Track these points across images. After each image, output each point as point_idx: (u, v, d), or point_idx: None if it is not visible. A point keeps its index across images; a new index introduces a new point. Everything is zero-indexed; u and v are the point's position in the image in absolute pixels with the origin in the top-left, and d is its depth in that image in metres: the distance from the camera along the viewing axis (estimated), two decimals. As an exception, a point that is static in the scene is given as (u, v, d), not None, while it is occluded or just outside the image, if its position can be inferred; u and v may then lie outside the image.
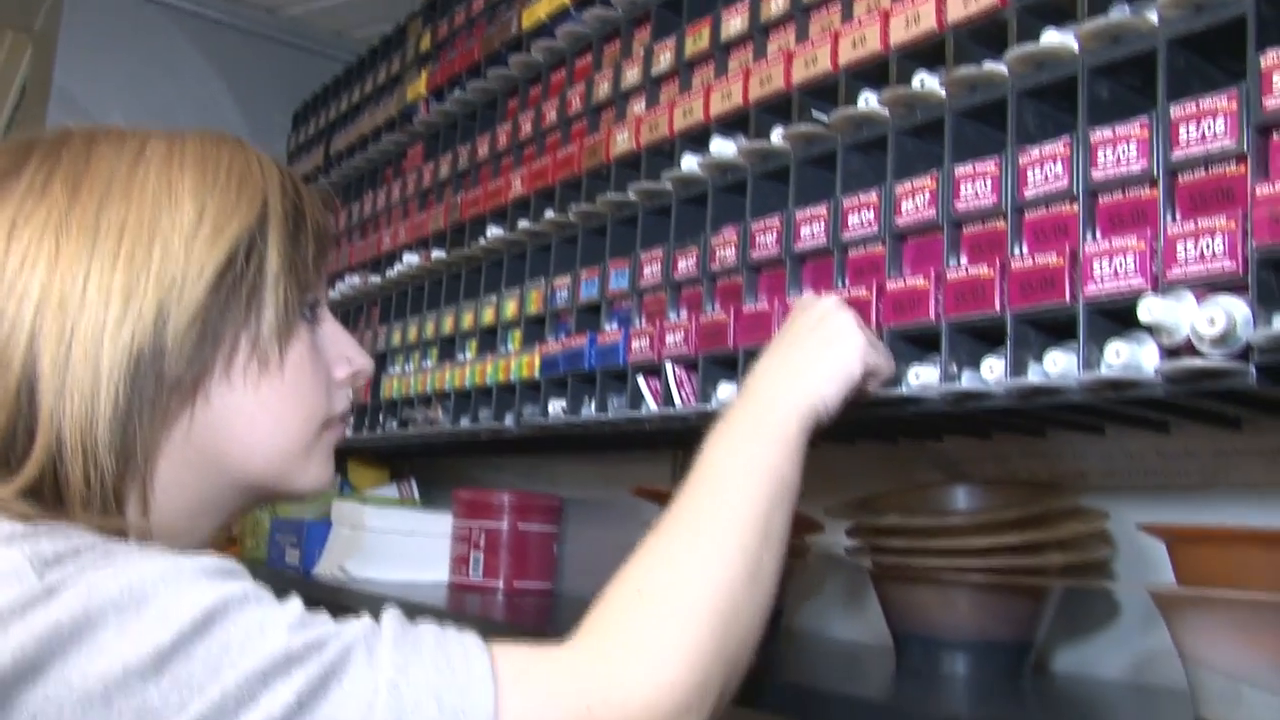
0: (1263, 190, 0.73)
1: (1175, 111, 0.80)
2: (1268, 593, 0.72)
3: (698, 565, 0.71)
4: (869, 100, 1.04)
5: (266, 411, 0.72)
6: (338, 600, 1.63)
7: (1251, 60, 0.76)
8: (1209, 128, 0.78)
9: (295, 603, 0.61)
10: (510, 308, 1.52)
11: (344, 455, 2.06)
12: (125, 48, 2.43)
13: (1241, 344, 0.73)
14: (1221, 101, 0.78)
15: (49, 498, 0.64)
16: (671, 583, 0.70)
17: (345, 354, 0.80)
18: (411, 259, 1.80)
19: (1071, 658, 1.08)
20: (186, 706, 0.54)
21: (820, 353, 0.85)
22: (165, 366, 0.66)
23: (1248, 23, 0.77)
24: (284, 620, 0.59)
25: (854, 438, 1.26)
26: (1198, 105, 0.79)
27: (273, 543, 1.94)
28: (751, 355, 1.09)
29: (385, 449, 1.99)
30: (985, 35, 0.97)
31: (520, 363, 1.45)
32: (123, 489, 0.66)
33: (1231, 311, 0.72)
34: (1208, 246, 0.76)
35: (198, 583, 0.58)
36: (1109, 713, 0.95)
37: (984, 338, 0.92)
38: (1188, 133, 0.79)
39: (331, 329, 0.79)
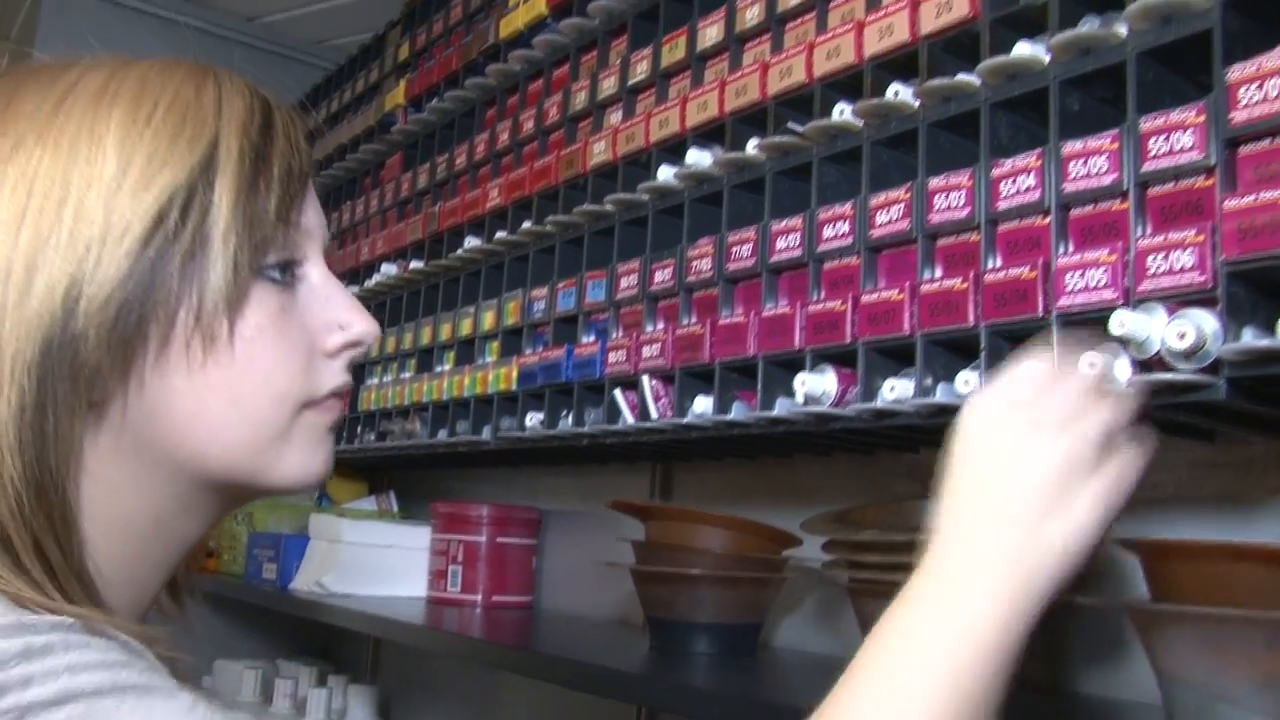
0: (1230, 204, 0.73)
1: (1145, 124, 0.80)
2: (1242, 608, 0.72)
3: None
4: (844, 111, 1.04)
5: (216, 395, 0.59)
6: (314, 615, 1.62)
7: (1218, 74, 0.75)
8: (1178, 141, 0.78)
9: None
10: (488, 319, 1.51)
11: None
12: (103, 54, 2.41)
13: (1212, 358, 0.72)
14: (1190, 114, 0.77)
15: None
16: None
17: (337, 319, 0.65)
18: (390, 269, 1.79)
19: (1042, 671, 1.07)
20: None
21: (1012, 489, 0.62)
22: (81, 352, 0.54)
23: (1214, 36, 0.77)
24: None
25: (830, 450, 1.25)
26: (1167, 118, 0.79)
27: (250, 557, 1.92)
28: (729, 368, 1.09)
29: (363, 462, 1.98)
30: (958, 46, 0.97)
31: (498, 374, 1.44)
32: (53, 506, 0.54)
33: (1201, 325, 0.72)
34: (1178, 260, 0.76)
35: None
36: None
37: (959, 350, 0.92)
38: (1157, 145, 0.79)
39: (322, 289, 0.65)
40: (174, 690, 0.50)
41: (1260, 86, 0.73)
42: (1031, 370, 0.65)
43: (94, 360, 0.55)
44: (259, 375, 0.60)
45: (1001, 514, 0.61)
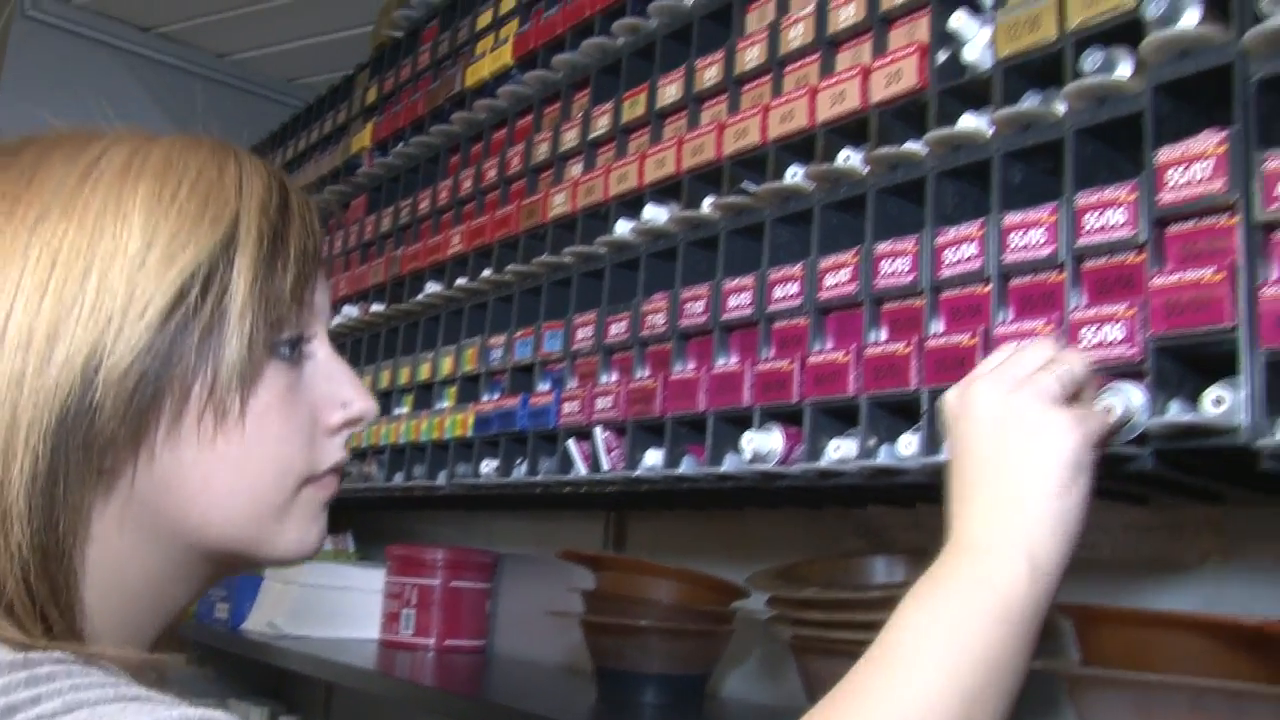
0: (1158, 281, 0.76)
1: (1081, 200, 0.83)
2: (1166, 673, 0.73)
3: None
4: (796, 174, 1.07)
5: (224, 468, 0.61)
6: (266, 658, 1.61)
7: (1148, 155, 0.78)
8: (1111, 217, 0.81)
9: None
10: (446, 364, 1.52)
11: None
12: (73, 90, 2.42)
13: (1139, 431, 0.74)
14: (1123, 192, 0.80)
15: None
16: None
17: (340, 396, 0.66)
18: (351, 311, 1.80)
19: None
20: None
21: (1033, 464, 0.65)
22: (96, 422, 0.56)
23: (1145, 118, 0.80)
24: None
25: (779, 504, 1.27)
26: (1101, 194, 0.81)
27: (202, 598, 1.91)
28: (680, 422, 1.10)
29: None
30: (907, 115, 1.00)
31: (454, 420, 1.45)
32: (58, 570, 0.56)
33: (1129, 400, 0.74)
34: (1109, 333, 0.78)
35: None
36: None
37: (901, 412, 0.94)
38: (1091, 221, 0.82)
39: (327, 366, 0.67)
40: (173, 702, 0.51)
41: (1187, 169, 0.76)
42: (995, 352, 0.73)
43: (109, 430, 0.56)
44: (266, 451, 0.62)
45: (988, 471, 0.66)
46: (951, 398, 0.72)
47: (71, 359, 0.55)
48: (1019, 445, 0.66)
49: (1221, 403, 0.71)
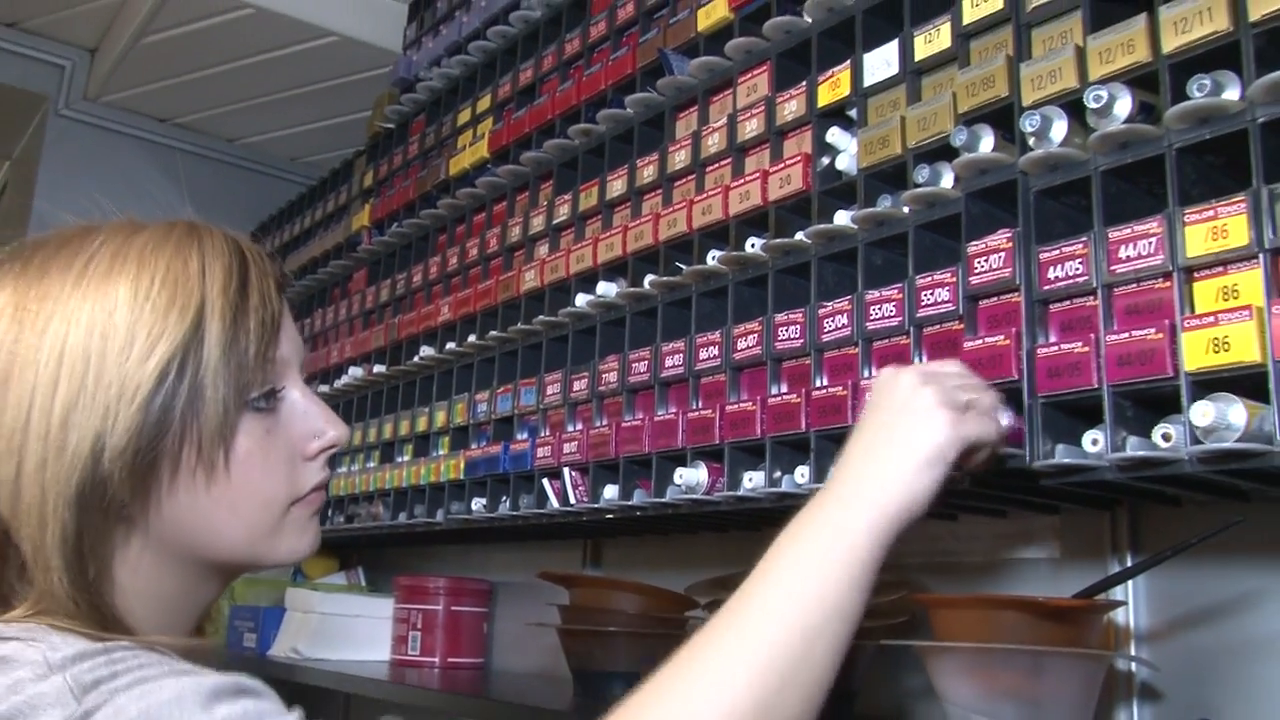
0: (970, 344, 1.00)
1: (920, 281, 1.07)
2: (980, 643, 0.97)
3: (706, 691, 0.67)
4: (714, 257, 1.31)
5: (219, 508, 0.73)
6: (292, 678, 1.85)
7: (963, 247, 1.03)
8: (939, 295, 1.05)
9: (297, 714, 0.66)
10: (440, 417, 1.77)
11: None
12: (98, 175, 2.69)
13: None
14: (946, 276, 1.05)
15: (64, 609, 0.68)
16: (676, 711, 0.66)
17: (314, 429, 0.79)
18: (356, 372, 2.04)
19: (888, 701, 1.32)
20: None
21: (905, 440, 0.78)
22: (108, 490, 0.68)
23: (961, 219, 1.04)
24: None
25: (726, 528, 1.50)
26: (932, 277, 1.06)
27: (231, 628, 2.15)
28: (631, 461, 1.35)
29: (334, 541, 2.21)
30: (797, 209, 1.25)
31: (448, 465, 1.69)
32: (97, 599, 0.69)
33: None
34: (938, 384, 1.02)
35: (209, 706, 0.62)
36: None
37: (798, 448, 1.18)
38: (927, 297, 1.06)
39: (301, 405, 0.79)
40: (210, 673, 0.66)
41: (987, 259, 1.01)
42: (948, 365, 0.88)
43: (119, 495, 0.69)
44: (251, 488, 0.75)
45: (869, 435, 0.80)
46: (884, 374, 0.85)
47: (80, 444, 0.68)
48: (904, 426, 0.79)
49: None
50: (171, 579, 0.75)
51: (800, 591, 0.71)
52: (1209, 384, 0.84)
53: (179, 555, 0.74)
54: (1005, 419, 0.89)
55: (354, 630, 1.95)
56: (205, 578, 0.78)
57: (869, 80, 1.18)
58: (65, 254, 0.74)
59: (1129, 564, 1.11)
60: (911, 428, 0.79)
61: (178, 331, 0.71)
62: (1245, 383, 0.82)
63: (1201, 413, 0.82)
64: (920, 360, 1.07)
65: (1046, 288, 0.96)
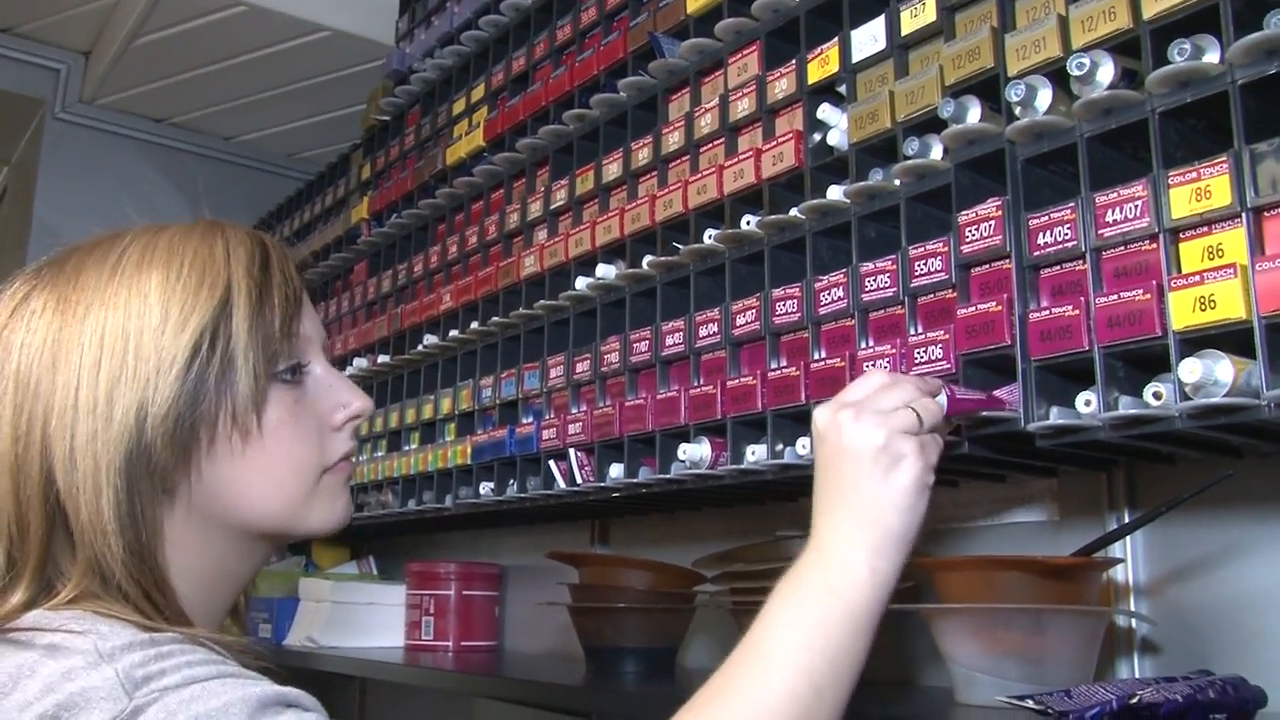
0: (963, 311, 1.02)
1: (912, 252, 1.09)
2: (982, 604, 1.00)
3: None
4: (711, 236, 1.33)
5: (255, 473, 0.77)
6: (308, 665, 1.87)
7: (954, 217, 1.05)
8: (933, 264, 1.07)
9: None
10: (446, 404, 1.79)
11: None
12: (97, 177, 2.70)
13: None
14: (939, 245, 1.07)
15: (110, 593, 0.72)
16: None
17: (339, 400, 0.83)
18: (361, 363, 2.07)
19: (895, 665, 1.35)
20: None
21: (888, 490, 0.79)
22: (153, 456, 0.73)
23: (951, 189, 1.06)
24: None
25: (731, 503, 1.53)
26: (925, 247, 1.08)
27: (246, 620, 2.17)
28: (635, 440, 1.37)
29: (345, 530, 2.23)
30: (790, 186, 1.26)
31: (455, 451, 1.71)
32: (149, 567, 0.73)
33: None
34: (933, 352, 1.05)
35: (256, 718, 0.64)
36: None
37: (799, 420, 1.20)
38: (921, 266, 1.08)
39: (326, 379, 0.83)
40: (259, 679, 0.70)
41: (978, 228, 1.03)
42: (865, 378, 0.86)
43: (163, 460, 0.74)
44: (284, 454, 0.79)
45: (848, 489, 0.79)
46: (823, 418, 0.83)
47: (126, 415, 0.73)
48: (877, 473, 0.79)
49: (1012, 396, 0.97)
50: (211, 554, 0.79)
51: (808, 645, 0.73)
52: (1197, 342, 0.86)
53: (219, 525, 0.78)
54: (943, 395, 0.88)
55: (367, 617, 1.97)
56: (244, 553, 0.82)
57: (857, 56, 1.19)
58: (98, 253, 0.79)
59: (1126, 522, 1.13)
60: (884, 480, 0.79)
61: (208, 307, 0.76)
62: (1232, 339, 0.85)
63: (1190, 370, 0.84)
64: (917, 329, 1.09)
65: (1036, 254, 0.98)
